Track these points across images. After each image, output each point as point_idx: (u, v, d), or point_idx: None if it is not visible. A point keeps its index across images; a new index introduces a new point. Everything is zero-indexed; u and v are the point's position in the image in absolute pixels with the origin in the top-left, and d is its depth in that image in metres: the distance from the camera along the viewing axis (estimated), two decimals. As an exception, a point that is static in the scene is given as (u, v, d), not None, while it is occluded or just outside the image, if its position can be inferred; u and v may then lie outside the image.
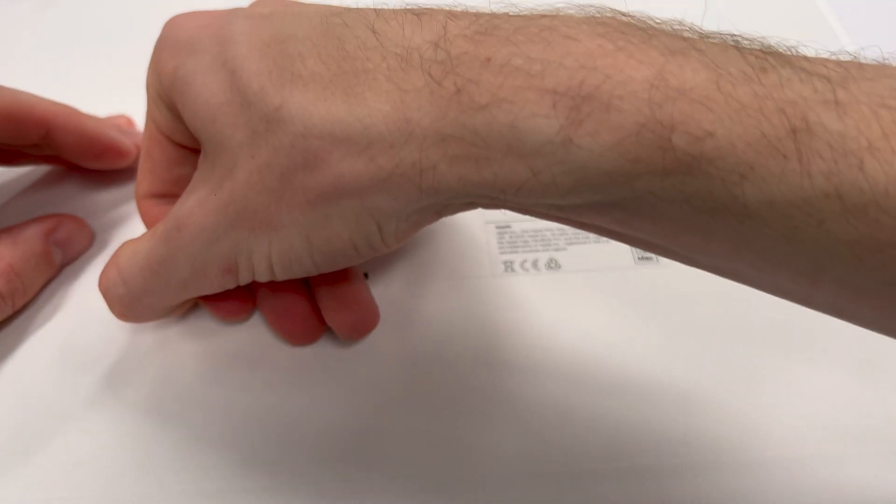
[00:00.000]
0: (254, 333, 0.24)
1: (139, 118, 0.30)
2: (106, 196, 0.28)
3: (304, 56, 0.17)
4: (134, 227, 0.27)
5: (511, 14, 0.17)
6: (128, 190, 0.28)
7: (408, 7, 0.18)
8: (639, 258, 0.26)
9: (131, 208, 0.27)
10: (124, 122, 0.29)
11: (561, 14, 0.16)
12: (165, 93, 0.20)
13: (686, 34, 0.15)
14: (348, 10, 0.18)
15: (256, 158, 0.17)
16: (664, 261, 0.26)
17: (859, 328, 0.16)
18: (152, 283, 0.20)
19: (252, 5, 0.21)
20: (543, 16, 0.16)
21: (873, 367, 0.23)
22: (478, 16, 0.17)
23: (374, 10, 0.18)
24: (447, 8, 0.17)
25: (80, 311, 0.24)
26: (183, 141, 0.22)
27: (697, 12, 0.36)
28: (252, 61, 0.18)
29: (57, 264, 0.25)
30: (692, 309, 0.24)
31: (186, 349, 0.23)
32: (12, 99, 0.23)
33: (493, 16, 0.16)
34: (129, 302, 0.21)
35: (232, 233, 0.18)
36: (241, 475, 0.21)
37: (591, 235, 0.27)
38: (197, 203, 0.19)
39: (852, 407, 0.22)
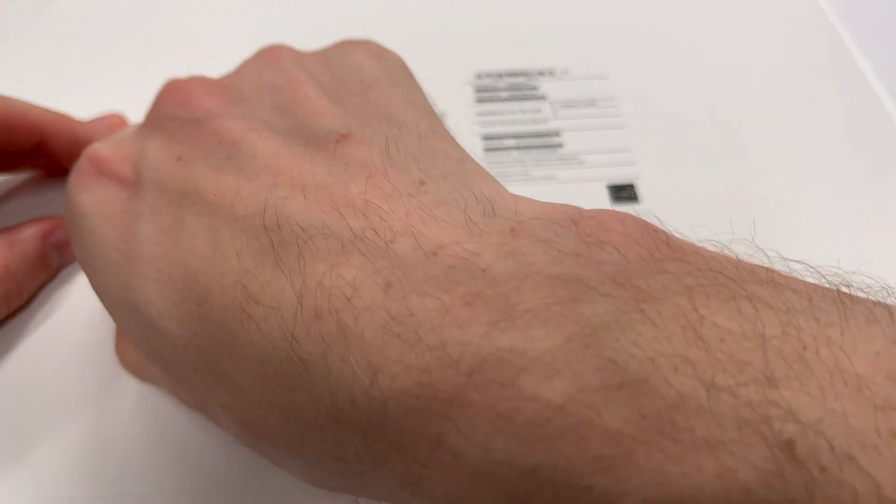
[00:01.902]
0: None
1: (135, 117, 0.30)
2: None
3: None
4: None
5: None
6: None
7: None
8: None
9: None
10: (117, 122, 0.29)
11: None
12: None
13: None
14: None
15: None
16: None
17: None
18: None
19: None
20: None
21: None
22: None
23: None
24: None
25: (77, 313, 0.24)
26: None
27: (704, 22, 0.36)
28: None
29: (54, 267, 0.24)
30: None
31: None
32: (5, 105, 0.23)
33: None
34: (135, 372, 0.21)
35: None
36: (242, 476, 0.21)
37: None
38: None
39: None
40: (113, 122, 0.29)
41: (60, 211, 0.26)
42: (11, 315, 0.24)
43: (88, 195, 0.16)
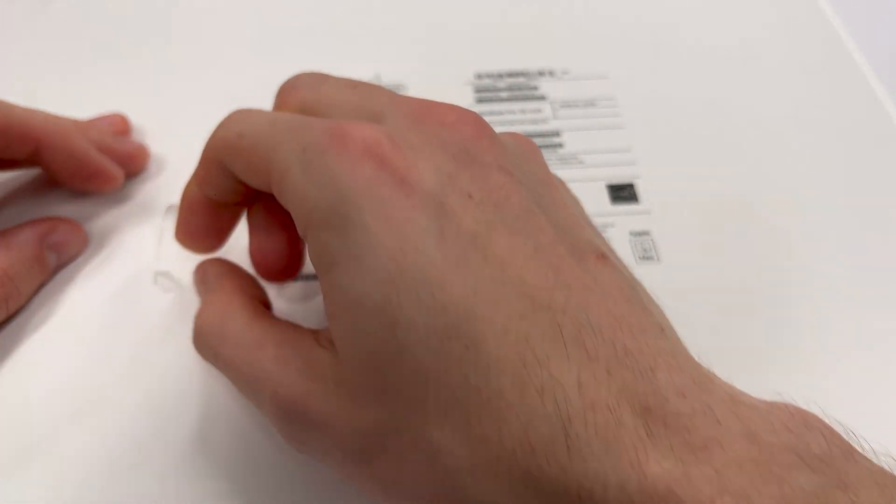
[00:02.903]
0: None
1: (134, 117, 0.29)
2: (100, 198, 0.27)
3: None
4: (128, 229, 0.26)
5: None
6: (121, 192, 0.27)
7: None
8: (640, 257, 0.26)
9: (125, 210, 0.27)
10: (119, 121, 0.29)
11: None
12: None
13: None
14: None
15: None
16: (665, 259, 0.26)
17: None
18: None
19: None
20: None
21: (886, 376, 0.23)
22: None
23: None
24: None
25: (75, 314, 0.24)
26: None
27: (706, 18, 0.36)
28: None
29: (51, 268, 0.24)
30: (694, 307, 0.24)
31: (187, 352, 0.23)
32: (6, 112, 0.23)
33: None
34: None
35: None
36: (243, 477, 0.21)
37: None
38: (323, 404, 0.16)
39: (858, 411, 0.22)
40: (115, 122, 0.29)
41: (57, 212, 0.26)
42: (10, 317, 0.23)
43: (362, 180, 0.15)
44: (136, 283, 0.25)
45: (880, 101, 0.31)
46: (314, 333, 0.18)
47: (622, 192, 0.28)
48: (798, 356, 0.23)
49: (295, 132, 0.17)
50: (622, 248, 0.26)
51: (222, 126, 0.19)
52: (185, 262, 0.25)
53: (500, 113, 0.31)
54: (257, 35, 0.34)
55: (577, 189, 0.28)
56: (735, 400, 0.14)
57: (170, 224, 0.26)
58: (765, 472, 0.12)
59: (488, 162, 0.16)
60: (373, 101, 0.18)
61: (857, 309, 0.24)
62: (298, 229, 0.17)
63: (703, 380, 0.15)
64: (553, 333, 0.14)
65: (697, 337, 0.24)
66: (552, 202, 0.18)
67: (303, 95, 0.20)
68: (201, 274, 0.22)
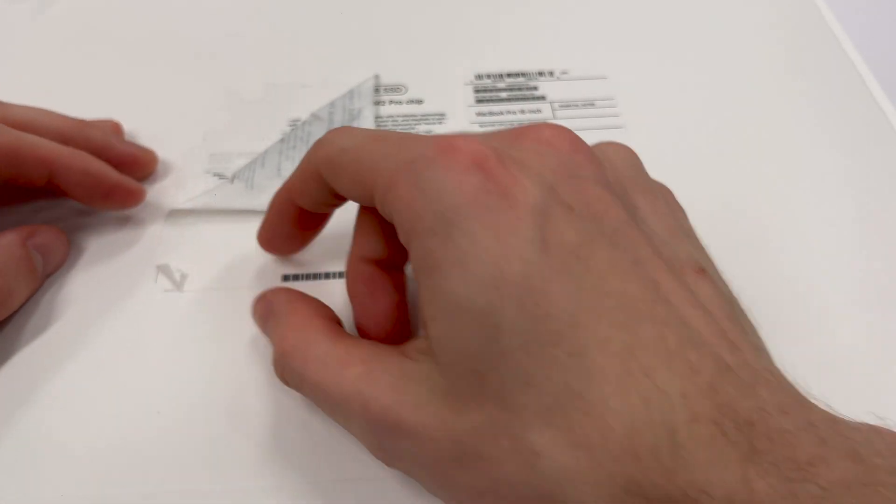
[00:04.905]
0: (259, 337, 0.23)
1: (132, 120, 0.29)
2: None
3: None
4: (130, 232, 0.26)
5: None
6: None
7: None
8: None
9: (126, 213, 0.27)
10: (112, 128, 0.28)
11: None
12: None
13: None
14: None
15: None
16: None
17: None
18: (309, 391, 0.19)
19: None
20: None
21: (884, 376, 0.23)
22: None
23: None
24: None
25: (77, 318, 0.24)
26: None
27: (703, 20, 0.36)
28: None
29: (40, 271, 0.24)
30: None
31: (189, 349, 0.23)
32: (14, 139, 0.23)
33: None
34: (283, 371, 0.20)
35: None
36: (244, 476, 0.21)
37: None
38: (424, 427, 0.16)
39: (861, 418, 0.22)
40: (108, 129, 0.28)
41: (55, 217, 0.26)
42: (8, 320, 0.23)
43: (469, 190, 0.15)
44: (138, 284, 0.25)
45: (877, 102, 0.31)
46: (399, 349, 0.18)
47: (622, 193, 0.28)
48: (798, 355, 0.23)
49: (402, 145, 0.17)
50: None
51: (323, 142, 0.20)
52: (186, 263, 0.26)
53: (500, 113, 0.31)
54: (257, 35, 0.34)
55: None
56: (836, 420, 0.14)
57: (171, 228, 0.26)
58: (871, 493, 0.12)
59: (586, 176, 0.17)
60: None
61: (856, 309, 0.25)
62: (401, 238, 0.17)
63: (803, 399, 0.15)
64: (656, 345, 0.14)
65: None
66: (652, 212, 0.18)
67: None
68: (265, 304, 0.22)
